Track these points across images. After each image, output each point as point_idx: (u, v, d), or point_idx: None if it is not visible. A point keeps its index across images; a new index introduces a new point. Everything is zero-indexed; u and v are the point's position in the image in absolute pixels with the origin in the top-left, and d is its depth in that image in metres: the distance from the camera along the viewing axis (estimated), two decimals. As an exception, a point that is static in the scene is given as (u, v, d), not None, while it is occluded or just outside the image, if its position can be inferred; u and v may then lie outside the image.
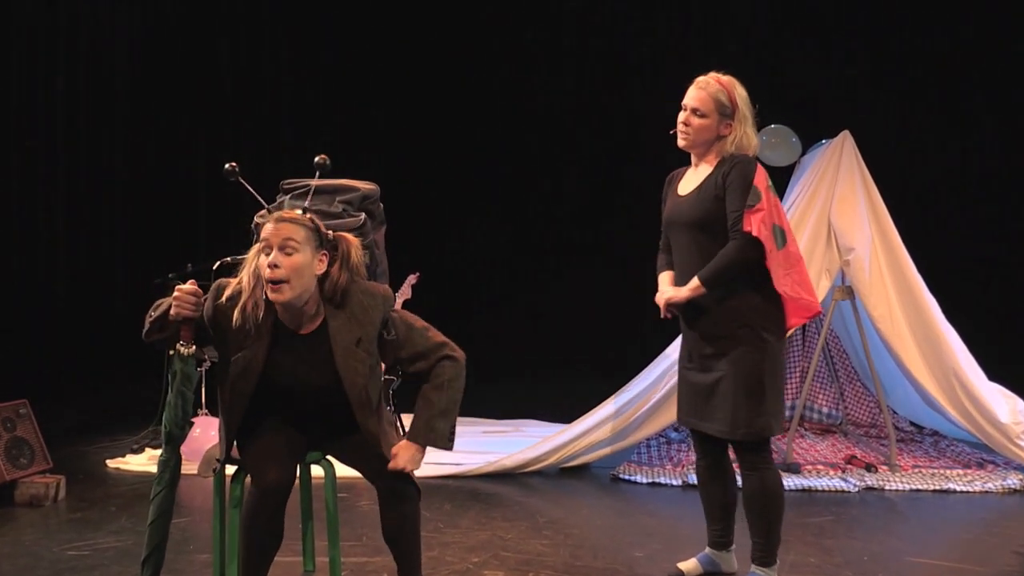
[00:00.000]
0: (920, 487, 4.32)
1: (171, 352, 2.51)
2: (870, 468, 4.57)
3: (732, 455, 2.96)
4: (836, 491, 4.27)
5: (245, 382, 2.45)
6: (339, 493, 2.96)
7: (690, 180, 2.93)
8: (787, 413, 5.56)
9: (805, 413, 5.65)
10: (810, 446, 5.18)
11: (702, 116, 2.83)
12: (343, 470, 2.79)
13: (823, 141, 5.04)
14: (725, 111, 2.83)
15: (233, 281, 2.47)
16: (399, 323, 2.51)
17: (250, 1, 7.92)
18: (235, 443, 2.57)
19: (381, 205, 2.86)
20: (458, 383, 2.50)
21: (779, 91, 7.63)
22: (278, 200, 2.76)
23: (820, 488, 4.30)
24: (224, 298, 2.45)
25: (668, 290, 2.89)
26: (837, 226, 4.71)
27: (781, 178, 5.34)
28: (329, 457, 2.72)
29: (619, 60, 8.15)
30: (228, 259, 4.65)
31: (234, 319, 2.42)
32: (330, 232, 2.50)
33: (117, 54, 6.99)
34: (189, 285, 2.45)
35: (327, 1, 8.08)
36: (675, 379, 4.36)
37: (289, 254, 2.37)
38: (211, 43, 7.74)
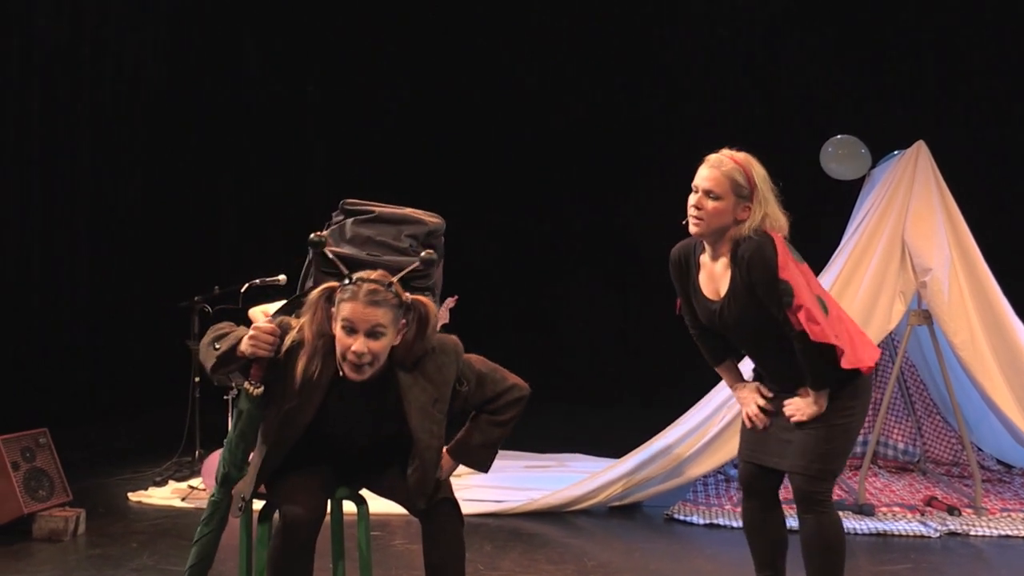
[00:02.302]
0: (1009, 533, 4.21)
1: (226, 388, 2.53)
2: (953, 511, 4.46)
3: (785, 495, 2.90)
4: (915, 536, 4.18)
5: (291, 431, 2.48)
6: (372, 531, 2.96)
7: (712, 279, 2.81)
8: (858, 449, 5.46)
9: (879, 449, 5.54)
10: (885, 486, 5.08)
11: (716, 198, 2.71)
12: (376, 506, 2.79)
13: (895, 152, 4.97)
14: (742, 192, 2.71)
15: (295, 325, 2.47)
16: (469, 373, 2.56)
17: (273, 16, 8.14)
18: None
19: (443, 239, 2.82)
20: (515, 421, 2.61)
21: (847, 99, 7.57)
22: (335, 220, 2.72)
23: (897, 532, 4.22)
24: (283, 351, 2.45)
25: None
26: (912, 245, 4.64)
27: (849, 193, 5.29)
28: (363, 492, 2.72)
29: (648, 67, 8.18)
30: (257, 281, 4.76)
31: (298, 371, 2.42)
32: (408, 296, 2.47)
33: (140, 70, 7.19)
34: (267, 323, 2.44)
35: (347, 12, 8.29)
36: (735, 411, 4.36)
37: (377, 339, 2.38)
38: (235, 59, 7.94)
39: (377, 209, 2.66)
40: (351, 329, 2.37)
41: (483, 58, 8.32)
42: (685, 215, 2.78)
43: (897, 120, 7.04)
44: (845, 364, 2.69)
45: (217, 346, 2.48)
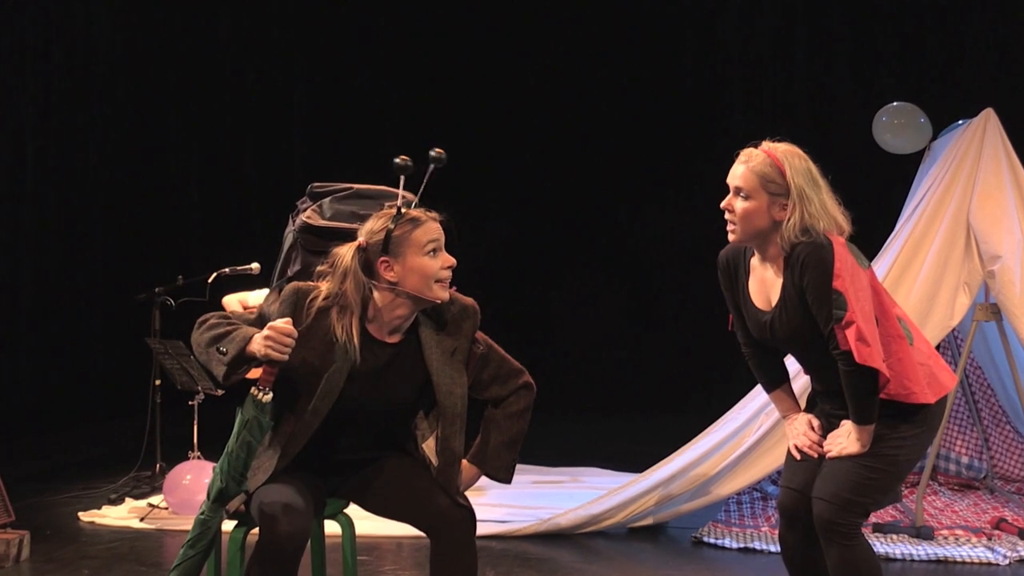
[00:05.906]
0: (1090, 559, 4.20)
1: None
2: (1024, 534, 4.45)
3: None
4: (981, 563, 4.18)
5: (324, 401, 2.60)
6: (358, 555, 2.95)
7: (761, 285, 2.84)
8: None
9: (939, 464, 5.53)
10: (946, 505, 5.07)
11: (747, 198, 2.73)
12: (363, 528, 2.78)
13: (960, 121, 4.95)
14: (775, 189, 2.71)
15: (321, 286, 2.64)
16: (482, 340, 2.79)
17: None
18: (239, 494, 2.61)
19: None
20: (528, 415, 2.79)
21: (907, 63, 7.55)
22: (303, 205, 2.92)
23: (960, 559, 4.21)
24: (317, 307, 2.61)
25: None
26: (979, 228, 4.62)
27: (907, 168, 5.26)
28: (349, 512, 2.72)
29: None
30: (227, 270, 4.79)
31: (333, 328, 2.60)
32: None
33: (99, 47, 7.21)
34: (285, 324, 2.51)
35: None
36: (774, 418, 4.35)
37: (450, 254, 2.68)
38: (204, 34, 8.00)
39: (355, 186, 2.91)
40: (436, 249, 2.65)
41: (482, 56, 8.45)
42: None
43: (962, 85, 7.00)
44: (884, 394, 2.70)
45: (222, 350, 2.50)
